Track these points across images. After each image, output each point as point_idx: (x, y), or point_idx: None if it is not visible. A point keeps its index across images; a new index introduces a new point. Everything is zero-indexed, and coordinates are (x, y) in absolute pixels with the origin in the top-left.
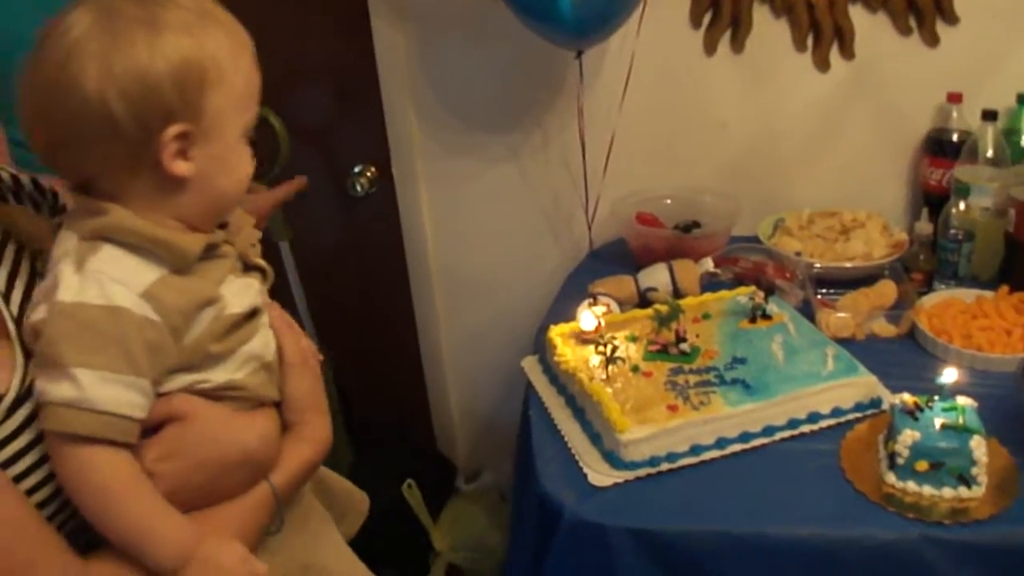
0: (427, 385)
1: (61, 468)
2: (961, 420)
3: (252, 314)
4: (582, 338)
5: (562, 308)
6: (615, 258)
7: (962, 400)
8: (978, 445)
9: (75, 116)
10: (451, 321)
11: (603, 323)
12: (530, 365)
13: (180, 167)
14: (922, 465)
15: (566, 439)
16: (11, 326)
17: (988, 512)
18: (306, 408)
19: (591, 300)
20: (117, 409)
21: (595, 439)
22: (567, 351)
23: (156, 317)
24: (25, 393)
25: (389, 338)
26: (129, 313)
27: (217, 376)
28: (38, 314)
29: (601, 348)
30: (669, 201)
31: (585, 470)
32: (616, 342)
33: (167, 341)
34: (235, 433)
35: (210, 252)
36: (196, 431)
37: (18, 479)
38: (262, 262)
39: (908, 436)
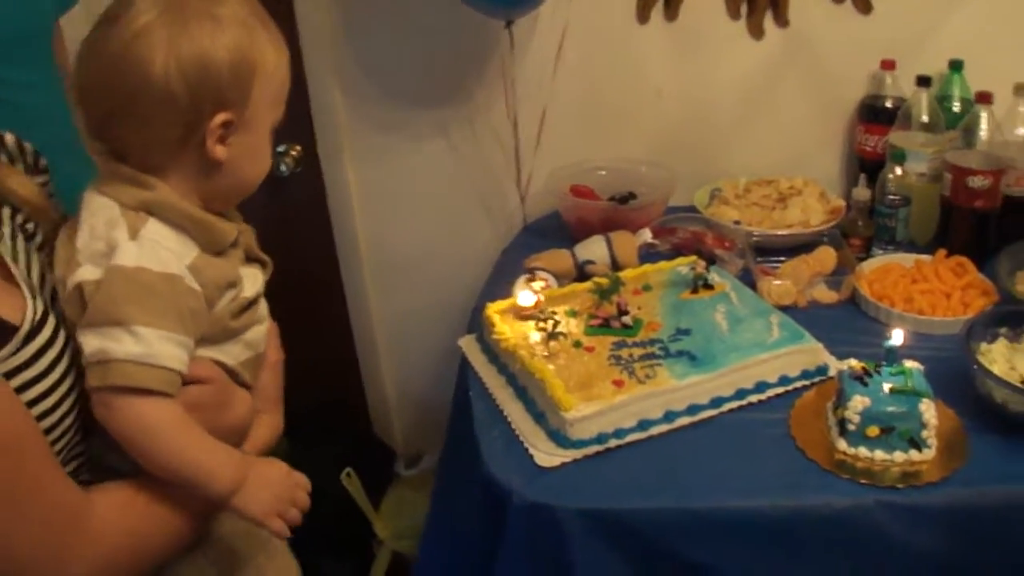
0: (361, 369)
1: (117, 419)
2: (909, 384)
3: (255, 301)
4: (521, 314)
5: (497, 285)
6: (550, 232)
7: (909, 364)
8: (927, 408)
9: (138, 91)
10: (383, 302)
11: (542, 298)
12: (468, 344)
13: (219, 151)
14: (873, 430)
15: (509, 419)
16: (14, 269)
17: (940, 474)
18: (271, 400)
19: (528, 275)
20: (173, 364)
21: (539, 418)
22: (506, 328)
23: (198, 288)
24: (36, 327)
25: (320, 322)
26: (182, 281)
27: (228, 353)
28: (86, 274)
29: (542, 324)
30: (604, 173)
31: (531, 451)
32: (556, 317)
33: (204, 310)
34: (238, 403)
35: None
36: (213, 394)
37: (27, 406)
38: (263, 255)
39: (858, 402)
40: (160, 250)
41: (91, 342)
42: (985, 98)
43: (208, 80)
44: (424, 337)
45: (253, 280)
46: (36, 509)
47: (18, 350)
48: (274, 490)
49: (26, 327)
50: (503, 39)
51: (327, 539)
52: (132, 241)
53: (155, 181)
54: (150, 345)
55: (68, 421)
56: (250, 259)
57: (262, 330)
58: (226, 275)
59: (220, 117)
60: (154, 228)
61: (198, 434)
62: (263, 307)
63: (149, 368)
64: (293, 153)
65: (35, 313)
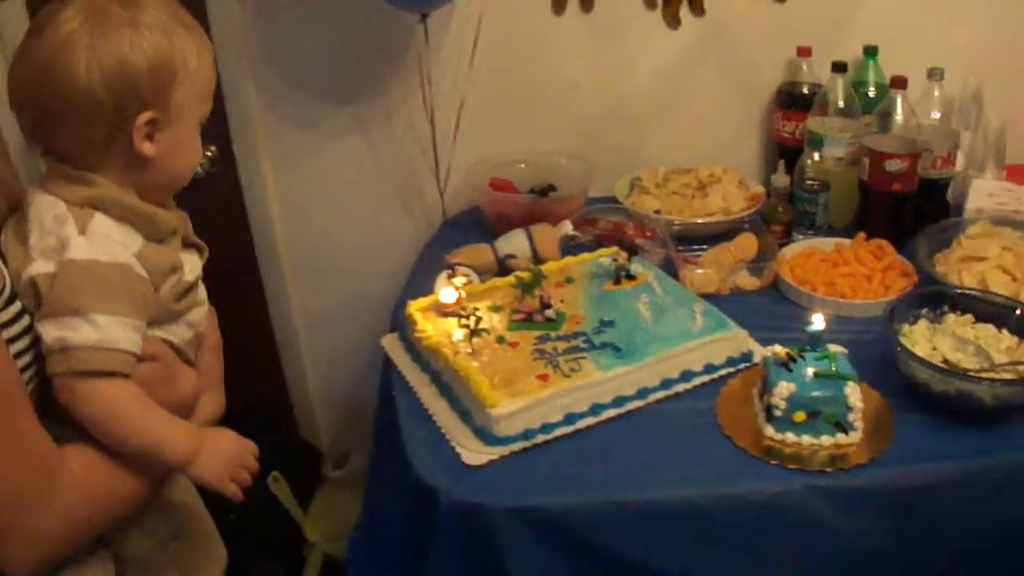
0: (284, 371)
1: (80, 401)
2: (834, 368)
3: (195, 284)
4: (443, 311)
5: (419, 281)
6: (470, 226)
7: (833, 348)
8: (852, 391)
9: (65, 97)
10: (304, 302)
11: (463, 294)
12: (390, 343)
13: (147, 148)
14: (799, 415)
15: (435, 418)
16: None
17: (867, 456)
18: (214, 378)
19: (449, 271)
20: (128, 347)
21: (465, 416)
22: (428, 326)
23: (144, 274)
24: (12, 293)
25: (240, 324)
26: (131, 269)
27: (173, 333)
28: (40, 268)
29: (464, 321)
30: (523, 165)
31: (458, 449)
32: (479, 313)
33: (152, 294)
34: (184, 379)
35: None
36: (161, 369)
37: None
38: (200, 241)
39: (784, 388)
40: (109, 242)
41: (50, 332)
42: (900, 83)
43: (129, 84)
44: (347, 336)
45: (192, 265)
46: (19, 455)
47: (4, 307)
48: (226, 457)
49: (8, 289)
50: (418, 33)
51: (256, 544)
52: (82, 236)
53: (96, 178)
54: (106, 331)
55: (31, 386)
56: (187, 245)
57: (202, 311)
58: (169, 261)
59: (143, 116)
60: (100, 222)
61: (155, 410)
62: (202, 290)
63: (107, 352)
64: (208, 154)
65: (10, 281)
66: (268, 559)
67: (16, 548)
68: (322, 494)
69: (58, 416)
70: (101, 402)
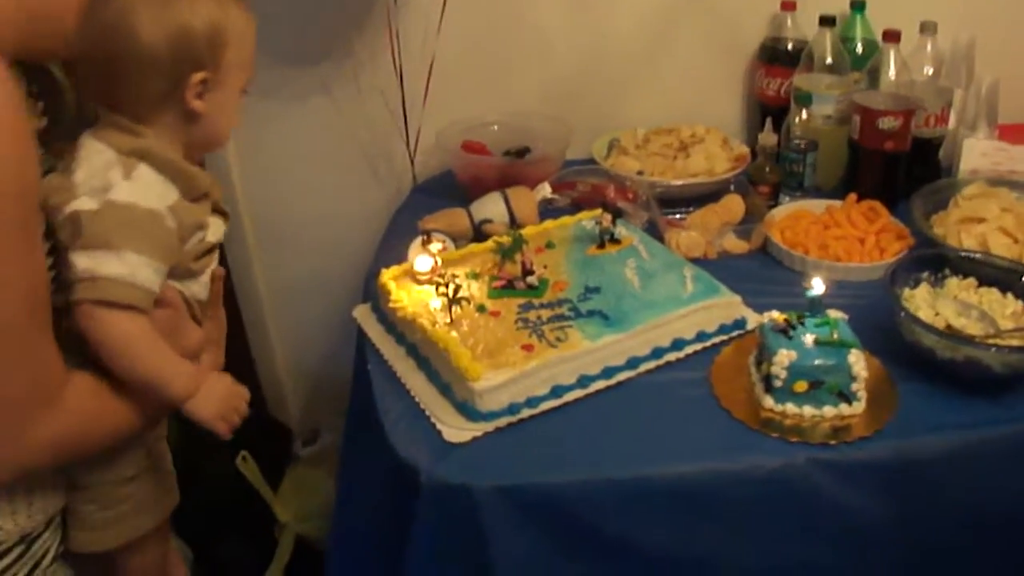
0: (250, 346)
1: (98, 328)
2: (835, 335)
3: (215, 248)
4: (418, 280)
5: (390, 249)
6: (442, 192)
7: (833, 313)
8: (856, 359)
9: (128, 54)
10: (270, 273)
11: (439, 262)
12: (363, 314)
13: (197, 104)
14: (801, 385)
15: (413, 394)
16: None
17: (871, 428)
18: (214, 338)
19: (424, 237)
20: (150, 285)
21: (445, 390)
22: (403, 296)
23: (174, 225)
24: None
25: None
26: (163, 218)
27: (188, 288)
28: (84, 204)
29: (442, 289)
30: (496, 128)
31: (438, 426)
32: (458, 281)
33: (178, 245)
34: (191, 331)
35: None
36: (173, 318)
37: None
38: (225, 208)
39: (784, 356)
40: (148, 191)
41: (82, 262)
42: (892, 36)
43: (187, 45)
44: (315, 308)
45: (217, 228)
46: (31, 362)
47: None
48: (221, 397)
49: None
50: None
51: (227, 526)
52: (126, 181)
53: (146, 130)
54: (132, 268)
55: None
56: (215, 211)
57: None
58: (198, 219)
59: (197, 76)
60: (144, 171)
61: (163, 347)
62: (217, 256)
63: (130, 287)
64: None
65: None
66: (238, 541)
67: (3, 450)
68: (292, 473)
69: (64, 347)
70: (117, 331)
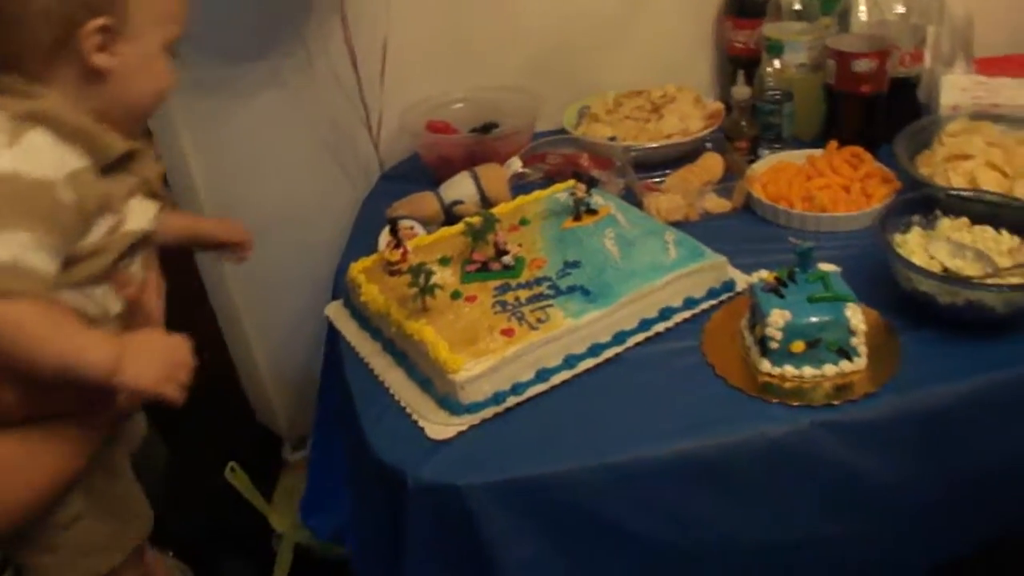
0: (230, 352)
1: None
2: (830, 289)
3: (142, 244)
4: (389, 270)
5: (361, 241)
6: (411, 176)
7: (825, 266)
8: (853, 313)
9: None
10: (242, 276)
11: (410, 248)
12: (335, 312)
13: (100, 59)
14: (798, 346)
15: (391, 391)
16: None
17: (876, 383)
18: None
19: (391, 225)
20: (42, 269)
21: (426, 385)
22: (373, 288)
23: (72, 197)
24: None
25: (177, 308)
26: (55, 188)
27: (100, 302)
28: None
29: (413, 279)
30: (461, 105)
31: (421, 423)
32: (428, 268)
33: (76, 221)
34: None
35: (125, 163)
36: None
37: None
38: (164, 192)
39: (778, 316)
40: (38, 157)
41: None
42: None
43: None
44: (292, 308)
45: (141, 213)
46: None
47: None
48: (156, 355)
49: None
50: None
51: (224, 542)
52: (8, 148)
53: (44, 91)
54: (15, 250)
55: None
56: (152, 197)
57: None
58: (108, 192)
59: (93, 23)
60: (34, 137)
61: (68, 324)
62: (151, 262)
63: (14, 273)
64: None
65: None
66: (235, 558)
67: None
68: (285, 480)
69: None
70: (6, 326)
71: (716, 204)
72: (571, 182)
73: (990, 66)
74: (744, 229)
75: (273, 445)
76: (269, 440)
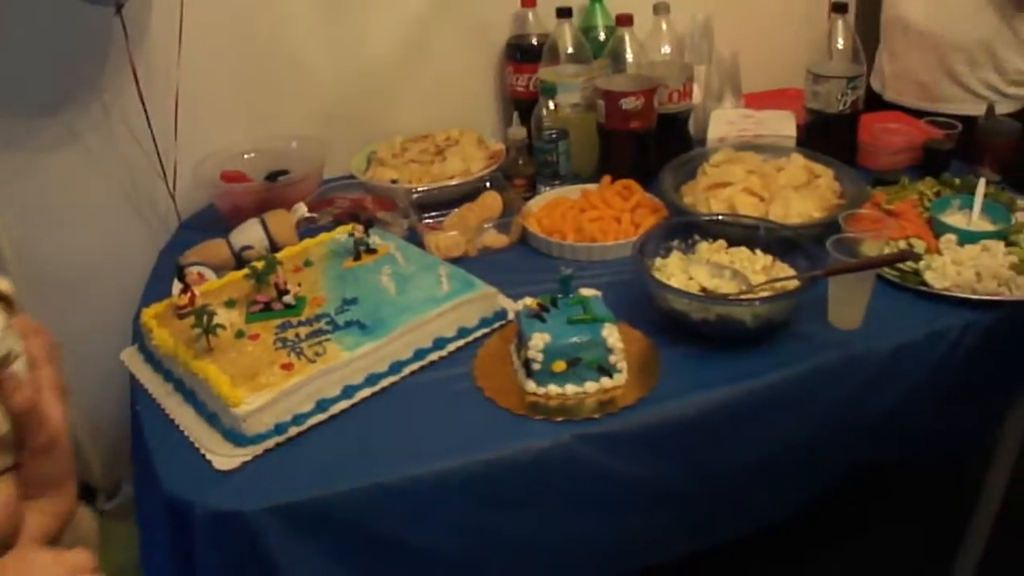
0: None
1: None
2: (588, 312)
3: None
4: (178, 314)
5: (157, 289)
6: (208, 226)
7: (585, 291)
8: (610, 332)
9: None
10: (49, 327)
11: (197, 293)
12: (130, 356)
13: None
14: (559, 365)
15: (182, 428)
16: None
17: (635, 396)
18: (53, 485)
19: (179, 272)
20: None
21: (212, 420)
22: (164, 333)
23: None
24: None
25: None
26: None
27: None
28: None
29: (197, 320)
30: (253, 155)
31: (208, 456)
32: (211, 310)
33: None
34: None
35: None
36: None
37: None
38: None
39: (539, 339)
40: None
41: None
42: (625, 20)
43: None
44: (97, 359)
45: None
46: None
47: None
48: None
49: None
50: (116, 26)
51: None
52: None
53: None
54: None
55: None
56: None
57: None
58: None
59: None
60: None
61: None
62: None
63: None
64: None
65: None
66: None
67: None
68: (101, 531)
69: None
70: None
71: (494, 239)
72: (351, 225)
73: (758, 100)
74: (519, 261)
75: (87, 496)
76: (83, 494)
